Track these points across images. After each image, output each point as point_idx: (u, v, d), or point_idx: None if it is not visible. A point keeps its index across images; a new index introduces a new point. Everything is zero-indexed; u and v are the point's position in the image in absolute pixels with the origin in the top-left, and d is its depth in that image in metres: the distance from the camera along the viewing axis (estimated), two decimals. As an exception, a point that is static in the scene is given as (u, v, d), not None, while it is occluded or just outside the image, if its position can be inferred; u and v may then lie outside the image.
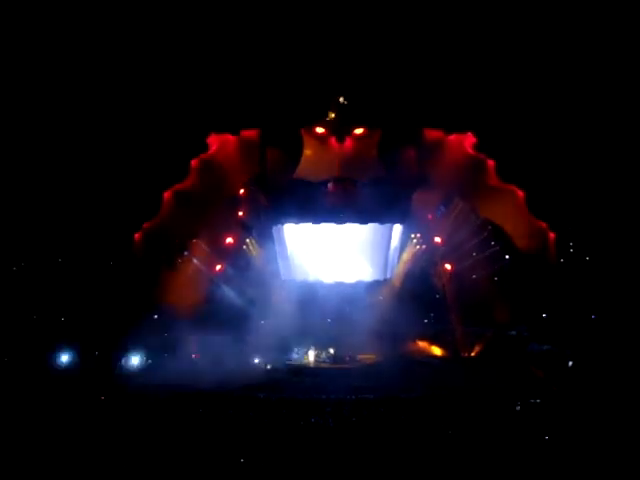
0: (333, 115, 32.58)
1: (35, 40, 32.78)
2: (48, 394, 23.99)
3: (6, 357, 28.61)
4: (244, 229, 32.88)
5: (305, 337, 32.44)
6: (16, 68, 32.75)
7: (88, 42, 33.34)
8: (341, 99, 32.27)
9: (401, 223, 32.69)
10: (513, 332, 31.82)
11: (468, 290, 32.33)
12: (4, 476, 17.30)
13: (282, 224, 32.76)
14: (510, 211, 30.70)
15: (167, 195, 30.19)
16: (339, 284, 32.75)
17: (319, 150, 31.89)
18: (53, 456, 18.46)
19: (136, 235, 29.66)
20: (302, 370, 31.18)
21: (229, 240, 32.43)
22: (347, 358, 32.18)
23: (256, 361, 30.58)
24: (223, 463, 18.29)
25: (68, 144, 32.74)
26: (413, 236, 33.15)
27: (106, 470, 17.72)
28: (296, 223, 32.66)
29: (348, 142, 31.73)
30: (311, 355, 32.71)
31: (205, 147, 31.41)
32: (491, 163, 31.14)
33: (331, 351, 32.54)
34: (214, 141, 31.53)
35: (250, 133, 31.92)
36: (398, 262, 33.46)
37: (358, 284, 32.72)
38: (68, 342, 29.22)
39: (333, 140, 31.75)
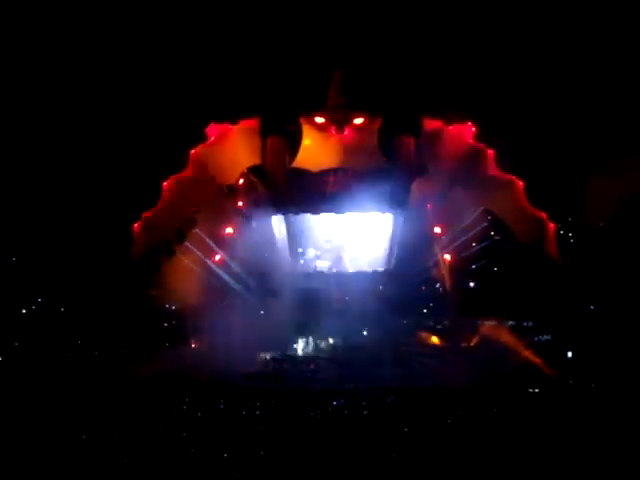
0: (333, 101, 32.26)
1: (41, 28, 32.62)
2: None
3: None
4: (243, 219, 32.80)
5: (305, 327, 32.48)
6: (21, 55, 32.63)
7: (90, 37, 33.26)
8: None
9: (401, 213, 32.57)
10: (512, 322, 31.90)
11: (467, 280, 32.37)
12: None
13: (282, 214, 32.65)
14: (510, 201, 30.67)
15: (166, 185, 30.04)
16: (339, 274, 32.72)
17: (319, 140, 31.70)
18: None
19: (135, 225, 29.55)
20: (302, 360, 31.24)
21: (228, 230, 32.40)
22: (347, 348, 32.20)
23: (256, 351, 30.61)
24: (223, 453, 18.31)
25: (68, 137, 32.67)
26: (413, 226, 33.06)
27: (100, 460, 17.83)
28: (296, 213, 32.57)
29: (348, 131, 31.53)
30: (311, 345, 32.74)
31: (204, 137, 31.24)
32: (491, 153, 31.04)
33: (331, 341, 32.57)
34: (213, 131, 31.35)
35: (249, 122, 31.73)
36: (398, 252, 33.36)
37: (358, 274, 32.67)
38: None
39: (333, 129, 31.53)
